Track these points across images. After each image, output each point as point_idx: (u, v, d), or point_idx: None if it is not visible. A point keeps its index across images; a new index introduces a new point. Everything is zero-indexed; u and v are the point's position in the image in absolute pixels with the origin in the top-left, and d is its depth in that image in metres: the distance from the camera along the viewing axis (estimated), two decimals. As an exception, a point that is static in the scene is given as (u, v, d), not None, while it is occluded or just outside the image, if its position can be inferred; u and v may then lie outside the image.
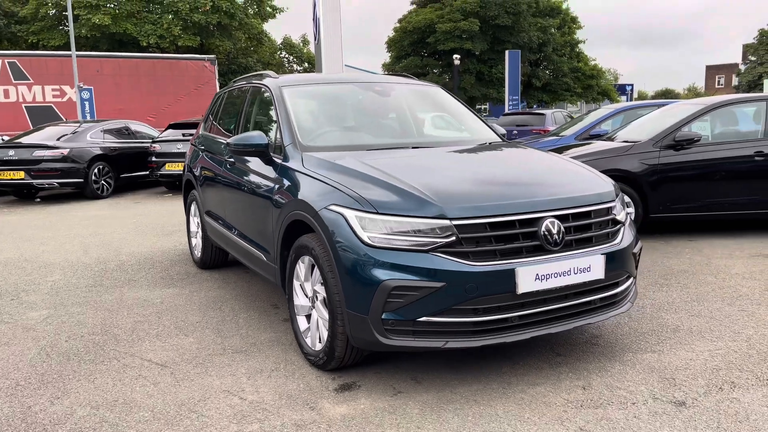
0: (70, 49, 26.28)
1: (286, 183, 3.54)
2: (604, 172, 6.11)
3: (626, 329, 3.83)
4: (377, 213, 2.85)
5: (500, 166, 3.67)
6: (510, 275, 2.78)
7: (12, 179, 11.21)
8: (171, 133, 12.73)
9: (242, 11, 28.27)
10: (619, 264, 3.17)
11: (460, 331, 2.81)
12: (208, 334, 3.89)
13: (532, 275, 2.82)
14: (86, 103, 18.11)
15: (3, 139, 12.56)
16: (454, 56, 29.53)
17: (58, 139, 11.76)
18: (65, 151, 11.37)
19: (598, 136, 8.59)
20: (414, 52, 35.21)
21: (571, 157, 6.52)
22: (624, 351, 3.47)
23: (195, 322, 4.13)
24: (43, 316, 4.36)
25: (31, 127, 16.98)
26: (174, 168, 12.04)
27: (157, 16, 26.70)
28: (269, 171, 3.80)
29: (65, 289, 5.10)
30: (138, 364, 3.43)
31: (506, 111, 22.19)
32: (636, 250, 3.38)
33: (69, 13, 18.85)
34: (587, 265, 2.99)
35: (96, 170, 11.80)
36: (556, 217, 2.97)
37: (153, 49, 27.33)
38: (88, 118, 17.91)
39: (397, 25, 35.74)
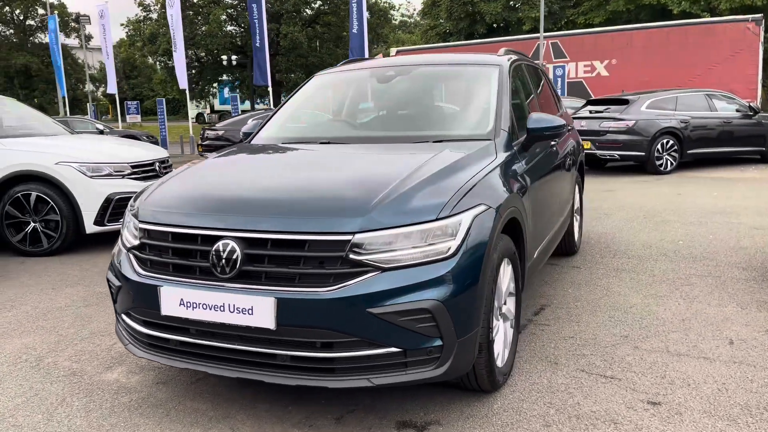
0: (610, 25, 27.39)
1: None
2: None
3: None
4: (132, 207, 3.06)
5: (309, 171, 3.03)
6: (155, 292, 2.58)
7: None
8: (584, 111, 12.44)
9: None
10: (319, 319, 2.34)
11: (136, 338, 2.79)
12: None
13: (176, 299, 2.53)
14: (558, 80, 18.89)
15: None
16: None
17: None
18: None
19: None
20: None
21: None
22: None
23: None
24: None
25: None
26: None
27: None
28: None
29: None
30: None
31: None
32: (385, 310, 2.31)
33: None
34: (248, 306, 2.39)
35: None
36: (241, 239, 2.47)
37: (701, 14, 25.37)
38: (560, 93, 18.71)
39: None
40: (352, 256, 2.35)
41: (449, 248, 2.43)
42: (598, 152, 11.54)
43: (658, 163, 11.36)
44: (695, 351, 3.31)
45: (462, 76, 3.94)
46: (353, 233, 2.36)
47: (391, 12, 37.99)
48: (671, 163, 11.45)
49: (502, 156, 3.16)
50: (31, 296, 4.72)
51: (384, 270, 2.35)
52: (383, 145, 3.38)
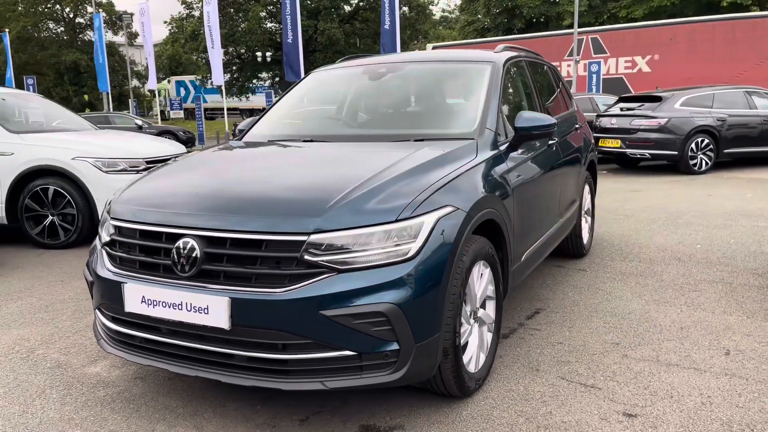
0: (652, 19, 26.59)
1: None
2: None
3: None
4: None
5: (278, 170, 3.05)
6: (119, 289, 2.60)
7: (611, 147, 11.44)
8: (615, 108, 12.09)
9: None
10: (272, 320, 2.32)
11: (107, 334, 2.82)
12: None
13: (138, 296, 2.55)
14: (594, 76, 18.41)
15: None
16: None
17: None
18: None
19: None
20: None
21: None
22: None
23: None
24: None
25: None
26: (605, 144, 11.54)
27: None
28: None
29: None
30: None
31: None
32: (338, 312, 2.27)
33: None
34: (204, 305, 2.39)
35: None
36: (201, 237, 2.47)
37: (750, 7, 24.43)
38: (594, 90, 18.22)
39: None
40: (307, 257, 2.32)
41: (409, 250, 2.37)
42: (629, 151, 11.21)
43: (692, 162, 10.97)
44: (687, 361, 3.17)
45: (453, 74, 3.86)
46: (308, 234, 2.33)
47: (430, 7, 37.74)
48: (706, 163, 11.04)
49: (484, 155, 3.07)
50: (39, 288, 4.85)
51: (340, 272, 2.31)
52: (363, 143, 3.33)
